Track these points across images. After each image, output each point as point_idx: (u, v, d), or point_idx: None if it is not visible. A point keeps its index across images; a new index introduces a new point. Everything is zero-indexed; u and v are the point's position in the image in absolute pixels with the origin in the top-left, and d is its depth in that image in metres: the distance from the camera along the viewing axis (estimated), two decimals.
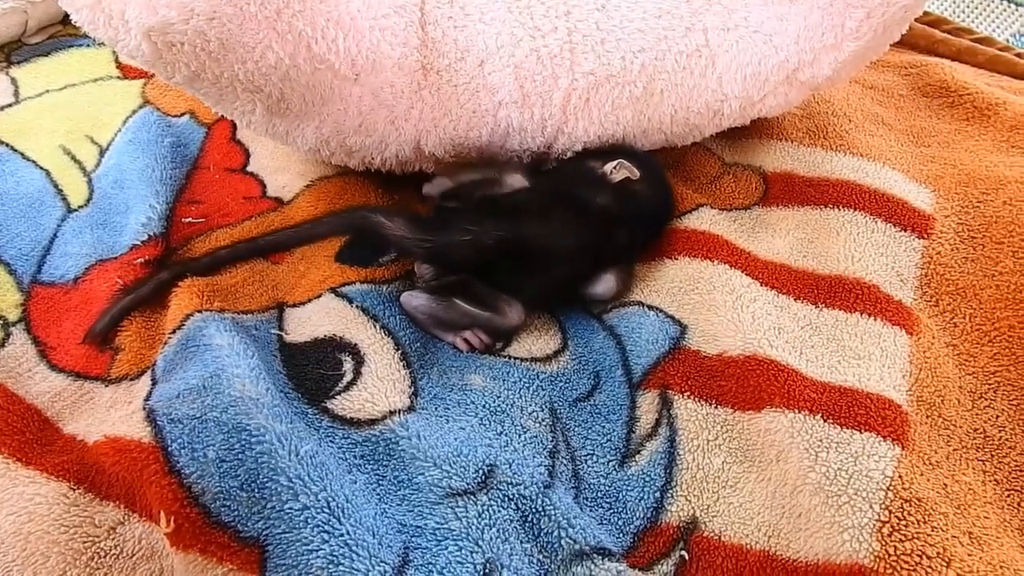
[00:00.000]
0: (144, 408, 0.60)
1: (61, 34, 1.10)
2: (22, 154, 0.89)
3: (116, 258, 0.77)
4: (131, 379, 0.69)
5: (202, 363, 0.64)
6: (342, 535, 0.55)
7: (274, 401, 0.62)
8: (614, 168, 0.78)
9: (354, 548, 0.54)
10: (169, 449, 0.58)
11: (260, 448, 0.57)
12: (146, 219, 0.79)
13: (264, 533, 0.55)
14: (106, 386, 0.69)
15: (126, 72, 1.03)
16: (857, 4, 0.75)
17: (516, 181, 0.78)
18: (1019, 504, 0.63)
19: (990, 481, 0.64)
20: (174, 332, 0.68)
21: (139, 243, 0.77)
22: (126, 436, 0.59)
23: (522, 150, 0.82)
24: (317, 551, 0.54)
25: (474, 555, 0.56)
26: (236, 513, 0.56)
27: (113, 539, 0.57)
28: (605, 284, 0.76)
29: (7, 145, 0.90)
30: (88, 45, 1.07)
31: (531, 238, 0.74)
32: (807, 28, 0.77)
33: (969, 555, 0.56)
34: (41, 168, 0.87)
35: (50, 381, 0.69)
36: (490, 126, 0.79)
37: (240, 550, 0.55)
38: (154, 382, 0.65)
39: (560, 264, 0.75)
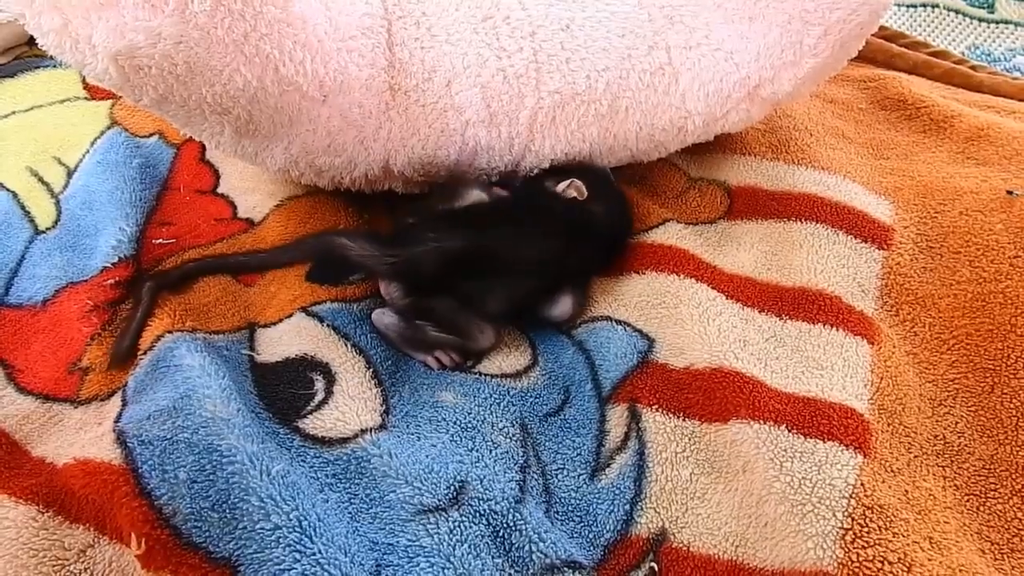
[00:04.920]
0: (114, 430, 0.61)
1: (27, 55, 1.10)
2: None
3: (86, 280, 0.77)
4: (101, 400, 0.69)
5: (172, 384, 0.64)
6: (314, 554, 0.55)
7: (245, 421, 0.62)
8: (566, 187, 0.80)
9: (326, 567, 0.55)
10: (140, 471, 0.58)
11: (231, 468, 0.58)
12: (116, 241, 0.79)
13: (236, 553, 0.56)
14: (75, 408, 0.68)
15: (93, 93, 1.03)
16: (815, 22, 0.77)
17: (474, 196, 0.80)
18: (978, 508, 0.65)
19: (950, 486, 0.66)
20: (145, 353, 0.68)
21: (110, 265, 0.77)
22: (96, 458, 0.60)
23: (490, 168, 0.83)
24: (289, 570, 0.54)
25: (446, 571, 0.57)
26: (207, 534, 0.56)
27: (83, 562, 0.57)
28: (562, 306, 0.77)
29: None
30: (54, 66, 1.06)
31: (495, 243, 0.75)
32: (767, 46, 0.78)
33: (929, 560, 0.58)
34: (8, 190, 0.87)
35: (18, 404, 0.68)
36: (458, 145, 0.80)
37: (211, 571, 0.55)
38: (124, 403, 0.65)
39: (526, 272, 0.76)
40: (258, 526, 0.56)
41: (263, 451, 0.60)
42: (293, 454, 0.63)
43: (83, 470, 0.59)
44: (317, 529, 0.56)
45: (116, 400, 0.67)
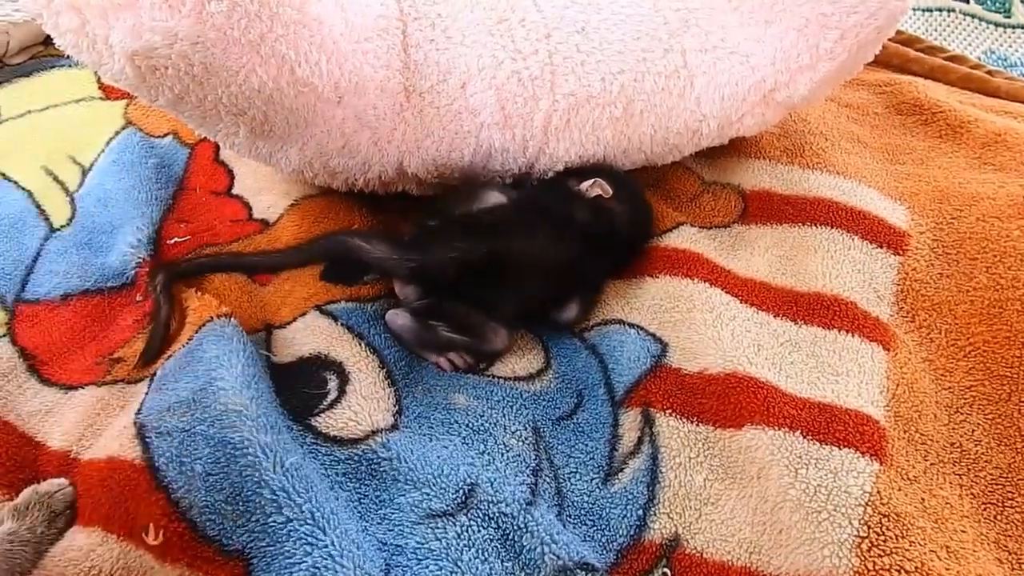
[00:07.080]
0: (135, 423, 0.61)
1: (43, 55, 1.10)
2: (4, 175, 0.89)
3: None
4: (126, 383, 0.69)
5: (194, 375, 0.64)
6: (326, 546, 0.55)
7: (259, 412, 0.62)
8: (589, 185, 0.80)
9: (338, 559, 0.55)
10: (157, 463, 0.58)
11: (244, 461, 0.58)
12: (136, 240, 0.80)
13: (249, 546, 0.56)
14: (98, 387, 0.69)
15: (108, 93, 1.03)
16: (831, 25, 0.76)
17: (493, 198, 0.79)
18: (995, 517, 0.64)
19: (967, 495, 0.65)
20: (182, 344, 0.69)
21: (132, 268, 0.78)
22: (117, 455, 0.60)
23: (504, 171, 0.83)
24: (300, 564, 0.55)
25: (453, 575, 0.57)
26: (221, 527, 0.56)
27: (91, 560, 0.57)
28: (568, 310, 0.77)
29: None
30: (70, 66, 1.07)
31: (515, 253, 0.75)
32: (783, 49, 0.78)
33: (947, 569, 0.57)
34: (23, 189, 0.88)
35: (42, 396, 0.69)
36: (472, 147, 0.80)
37: (225, 564, 0.56)
38: (148, 393, 0.65)
39: (542, 279, 0.75)
40: (271, 519, 0.56)
41: (277, 443, 0.60)
42: (305, 451, 0.63)
43: (104, 466, 0.60)
44: (331, 521, 0.56)
45: (141, 388, 0.67)
